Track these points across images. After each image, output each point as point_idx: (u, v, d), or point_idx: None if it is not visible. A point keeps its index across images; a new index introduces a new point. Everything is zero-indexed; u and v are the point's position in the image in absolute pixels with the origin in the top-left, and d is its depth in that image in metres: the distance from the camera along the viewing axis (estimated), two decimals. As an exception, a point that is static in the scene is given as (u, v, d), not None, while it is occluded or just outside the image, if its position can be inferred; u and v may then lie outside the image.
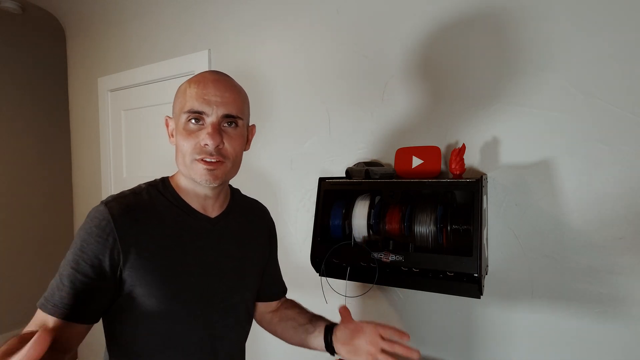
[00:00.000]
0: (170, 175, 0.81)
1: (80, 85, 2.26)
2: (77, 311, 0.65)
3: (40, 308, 0.66)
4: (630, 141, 0.94)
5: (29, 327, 0.65)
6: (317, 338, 0.87)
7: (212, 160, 0.70)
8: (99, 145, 2.16)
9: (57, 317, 0.64)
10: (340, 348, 0.82)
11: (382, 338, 0.78)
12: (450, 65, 1.15)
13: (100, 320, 0.72)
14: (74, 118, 2.33)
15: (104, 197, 2.12)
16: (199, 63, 1.71)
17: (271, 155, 1.52)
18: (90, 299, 0.67)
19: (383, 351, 0.76)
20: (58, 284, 0.66)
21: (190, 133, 0.70)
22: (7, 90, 2.82)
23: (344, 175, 1.13)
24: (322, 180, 1.14)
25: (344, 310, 0.86)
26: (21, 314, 2.88)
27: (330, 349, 0.84)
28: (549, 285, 1.04)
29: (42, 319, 0.65)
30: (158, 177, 0.82)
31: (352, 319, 0.85)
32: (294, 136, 1.46)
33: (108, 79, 2.09)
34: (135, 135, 2.01)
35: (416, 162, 1.12)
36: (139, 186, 0.78)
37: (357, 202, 1.10)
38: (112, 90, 2.09)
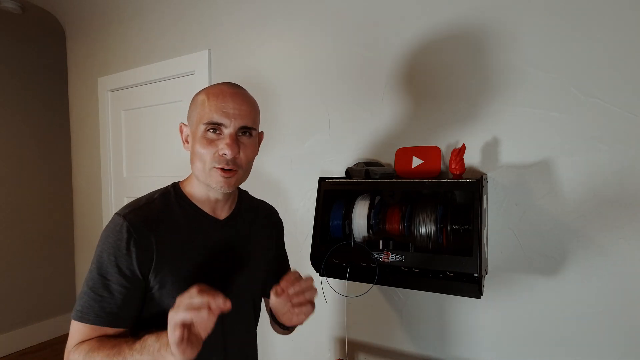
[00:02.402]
0: (180, 180, 0.87)
1: (80, 85, 2.26)
2: (121, 318, 0.72)
3: (80, 320, 0.71)
4: (630, 141, 0.94)
5: (74, 340, 0.71)
6: (275, 324, 0.88)
7: (229, 168, 0.76)
8: (99, 145, 2.16)
9: (106, 325, 0.71)
10: (281, 319, 0.81)
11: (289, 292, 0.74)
12: (450, 65, 1.15)
13: None
14: (74, 118, 2.33)
15: (104, 197, 2.13)
16: (199, 63, 1.70)
17: (271, 156, 1.52)
18: (131, 305, 0.73)
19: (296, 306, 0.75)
20: (94, 297, 0.71)
21: (209, 142, 0.76)
22: (7, 90, 2.82)
23: (344, 175, 1.13)
24: (322, 180, 1.14)
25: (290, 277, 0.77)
26: (21, 314, 2.88)
27: (282, 326, 0.85)
28: (549, 285, 1.04)
29: (88, 331, 0.71)
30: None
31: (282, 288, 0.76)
32: (293, 136, 1.46)
33: (108, 79, 2.08)
34: (135, 135, 2.01)
35: (416, 162, 1.12)
36: (152, 195, 0.82)
37: (357, 202, 1.10)
38: (112, 90, 2.09)
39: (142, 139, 1.98)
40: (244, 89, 0.82)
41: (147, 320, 0.76)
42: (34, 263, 2.96)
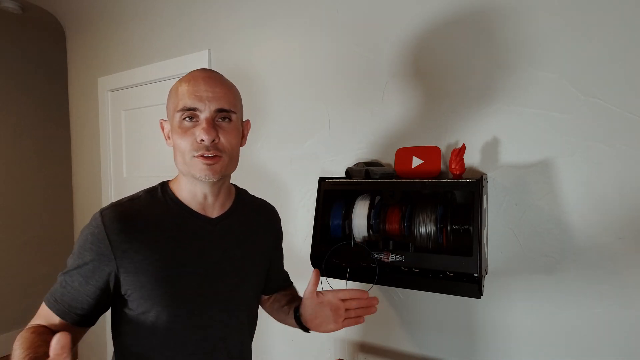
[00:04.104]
0: (169, 179, 0.83)
1: (80, 85, 2.26)
2: (71, 311, 0.71)
3: (44, 300, 0.73)
4: (630, 141, 0.94)
5: (36, 320, 0.73)
6: (291, 319, 0.89)
7: (210, 155, 0.71)
8: (99, 145, 2.16)
9: (56, 314, 0.71)
10: (310, 324, 0.85)
11: (344, 301, 0.82)
12: (450, 65, 1.15)
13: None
14: (74, 118, 2.33)
15: (104, 197, 2.13)
16: (199, 63, 1.70)
17: (271, 155, 1.52)
18: (84, 301, 0.71)
19: (347, 317, 0.82)
20: (60, 284, 0.73)
21: (185, 131, 0.71)
22: (7, 90, 2.82)
23: (344, 175, 1.13)
24: (322, 180, 1.14)
25: (314, 276, 0.84)
26: (21, 314, 2.88)
27: (302, 327, 0.87)
28: (549, 285, 1.04)
29: (46, 314, 0.72)
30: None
31: (315, 289, 0.84)
32: (293, 136, 1.46)
33: (108, 79, 2.09)
34: (135, 135, 2.01)
35: (416, 162, 1.12)
36: (138, 192, 0.79)
37: (357, 202, 1.10)
38: (112, 90, 2.09)
39: (142, 139, 1.98)
40: (220, 74, 0.77)
41: (124, 324, 0.74)
42: (34, 263, 2.96)
